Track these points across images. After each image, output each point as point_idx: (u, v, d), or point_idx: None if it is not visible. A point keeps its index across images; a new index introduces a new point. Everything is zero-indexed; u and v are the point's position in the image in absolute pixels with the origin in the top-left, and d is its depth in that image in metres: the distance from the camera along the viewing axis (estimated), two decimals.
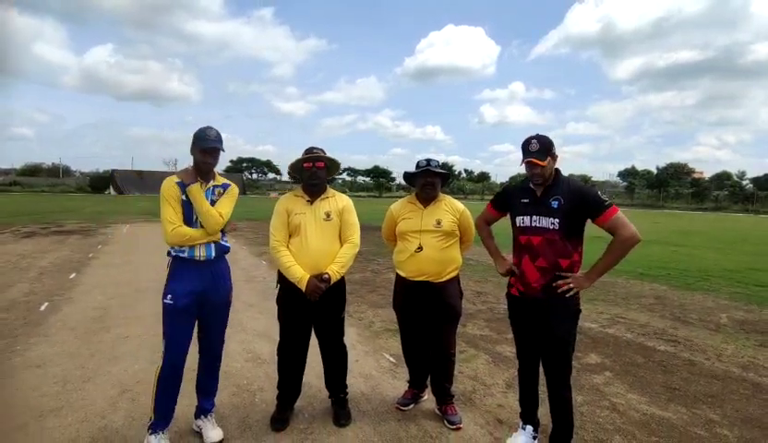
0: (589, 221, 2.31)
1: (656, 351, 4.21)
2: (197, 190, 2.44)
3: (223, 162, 79.33)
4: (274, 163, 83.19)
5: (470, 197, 60.61)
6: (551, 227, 2.30)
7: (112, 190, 52.62)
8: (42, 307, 5.14)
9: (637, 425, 2.85)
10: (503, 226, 2.66)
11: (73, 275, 6.96)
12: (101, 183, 55.01)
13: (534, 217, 2.35)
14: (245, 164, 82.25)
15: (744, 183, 56.06)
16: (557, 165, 2.40)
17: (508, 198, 2.59)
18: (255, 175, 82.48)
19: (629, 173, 68.55)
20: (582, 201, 2.27)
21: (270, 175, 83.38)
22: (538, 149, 2.30)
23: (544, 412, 2.65)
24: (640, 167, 69.73)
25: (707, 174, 65.87)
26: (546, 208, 2.32)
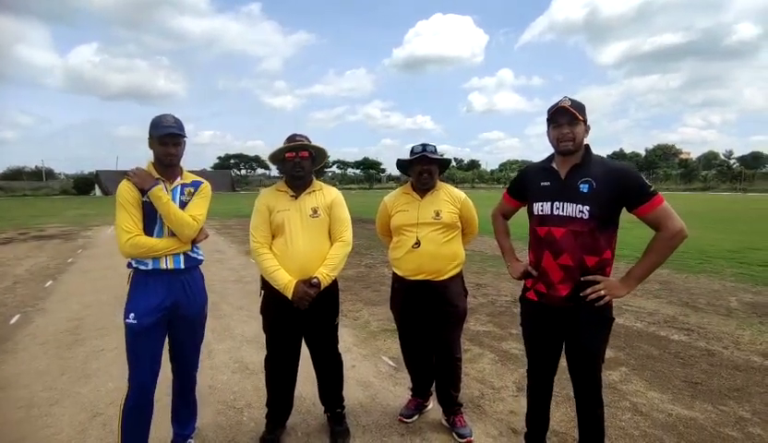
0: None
1: (671, 341, 3.97)
2: (160, 192, 2.07)
3: (211, 159, 78.34)
4: (263, 159, 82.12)
5: (460, 186, 60.40)
6: (579, 216, 1.88)
7: (97, 191, 51.55)
8: (13, 320, 4.76)
9: (664, 428, 2.60)
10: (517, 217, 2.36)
11: (49, 283, 6.56)
12: (85, 184, 53.80)
13: (557, 203, 1.93)
14: (233, 160, 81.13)
15: (732, 162, 56.51)
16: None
17: (526, 182, 2.15)
18: (244, 171, 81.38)
19: (617, 156, 68.82)
20: (621, 186, 1.85)
21: (260, 171, 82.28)
22: (571, 104, 1.90)
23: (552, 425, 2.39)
24: (628, 150, 70.29)
25: (694, 155, 66.48)
26: (574, 192, 1.90)
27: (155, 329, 2.10)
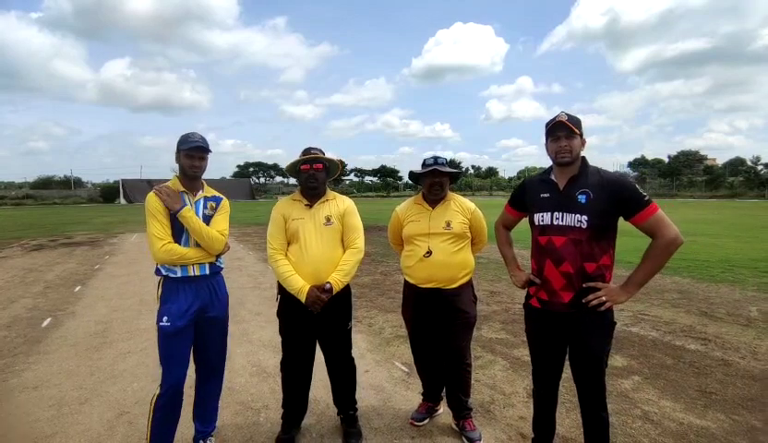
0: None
1: (686, 350, 3.94)
2: (188, 213, 2.23)
3: (231, 168, 79.76)
4: (281, 167, 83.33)
5: (477, 194, 60.07)
6: (578, 225, 1.96)
7: (122, 199, 53.08)
8: (45, 323, 5.01)
9: (674, 436, 2.61)
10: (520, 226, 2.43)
11: (78, 288, 6.86)
12: (111, 193, 55.46)
13: (557, 213, 2.03)
14: (251, 169, 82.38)
15: (759, 168, 54.67)
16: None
17: (526, 194, 2.25)
18: (263, 179, 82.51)
19: (639, 163, 67.48)
20: (616, 196, 1.94)
21: (278, 179, 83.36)
22: (568, 118, 2.00)
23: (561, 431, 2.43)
24: (650, 156, 68.85)
25: (720, 161, 64.65)
26: (572, 202, 1.99)
27: (186, 330, 2.26)
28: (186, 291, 2.27)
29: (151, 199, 2.25)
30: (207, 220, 2.33)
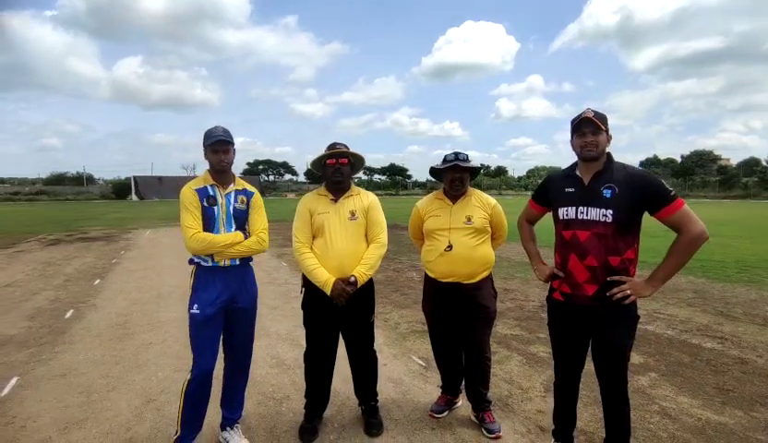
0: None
1: (703, 348, 3.94)
2: (230, 248, 2.36)
3: (240, 165, 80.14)
4: (290, 164, 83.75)
5: (486, 193, 59.60)
6: (602, 219, 1.98)
7: (133, 196, 53.70)
8: (68, 315, 5.14)
9: (692, 431, 2.63)
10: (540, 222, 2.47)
11: (97, 281, 7.00)
12: (123, 189, 56.13)
13: (581, 208, 2.04)
14: (261, 166, 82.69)
15: None
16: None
17: (550, 189, 2.28)
18: (271, 177, 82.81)
19: (651, 163, 66.82)
20: (642, 191, 1.95)
21: (287, 176, 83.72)
22: (594, 114, 2.03)
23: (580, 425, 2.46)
24: (662, 156, 68.15)
25: (734, 161, 63.76)
26: (597, 197, 2.01)
27: (215, 318, 2.34)
28: (216, 280, 2.35)
29: (185, 193, 2.34)
30: (238, 213, 2.41)
